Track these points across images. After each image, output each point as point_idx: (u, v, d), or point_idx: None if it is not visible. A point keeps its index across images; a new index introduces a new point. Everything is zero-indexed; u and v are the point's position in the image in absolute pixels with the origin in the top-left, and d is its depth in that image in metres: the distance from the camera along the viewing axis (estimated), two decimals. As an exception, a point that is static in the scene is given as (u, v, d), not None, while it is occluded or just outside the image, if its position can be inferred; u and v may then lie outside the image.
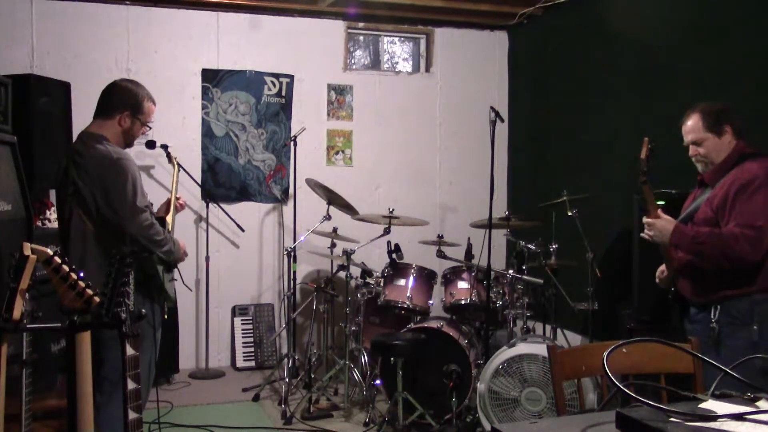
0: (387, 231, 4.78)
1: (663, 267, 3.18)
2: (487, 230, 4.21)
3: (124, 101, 3.05)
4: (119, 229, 2.89)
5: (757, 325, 2.78)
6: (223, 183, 5.65)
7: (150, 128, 3.25)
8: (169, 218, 3.29)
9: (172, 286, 3.17)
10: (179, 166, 3.86)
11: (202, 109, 5.57)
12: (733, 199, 2.81)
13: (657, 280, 3.21)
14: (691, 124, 3.01)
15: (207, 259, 5.47)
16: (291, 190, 5.63)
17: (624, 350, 2.06)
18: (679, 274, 3.05)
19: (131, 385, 2.15)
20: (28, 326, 2.13)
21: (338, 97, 5.93)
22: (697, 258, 2.90)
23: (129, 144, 3.15)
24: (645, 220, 3.03)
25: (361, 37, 6.35)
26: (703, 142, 2.97)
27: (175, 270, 3.20)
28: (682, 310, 3.12)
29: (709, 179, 3.02)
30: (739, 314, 2.82)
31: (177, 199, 3.48)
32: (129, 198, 2.89)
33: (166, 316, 3.19)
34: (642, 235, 3.08)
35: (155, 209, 3.26)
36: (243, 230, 5.57)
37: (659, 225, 2.97)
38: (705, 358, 1.79)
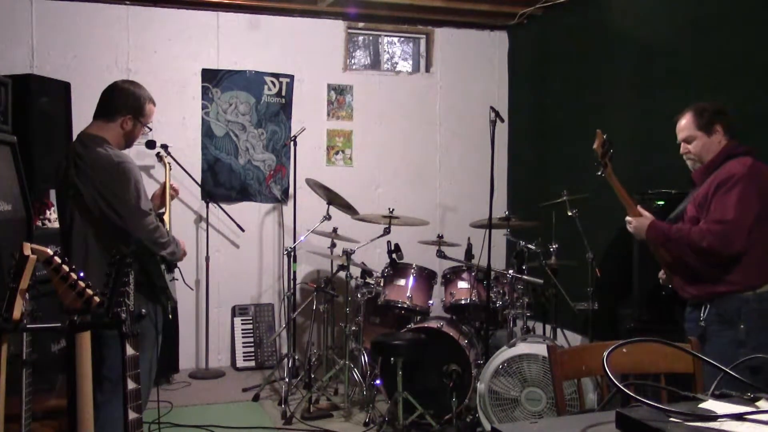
0: (387, 231, 4.78)
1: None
2: (487, 230, 4.21)
3: (125, 104, 3.03)
4: (121, 231, 2.89)
5: (744, 324, 2.80)
6: (223, 183, 5.65)
7: (150, 129, 3.25)
8: (166, 217, 3.28)
9: (173, 285, 3.17)
10: (171, 164, 3.85)
11: (202, 109, 5.57)
12: (712, 196, 2.86)
13: (660, 281, 3.23)
14: (684, 123, 3.06)
15: (207, 259, 5.47)
16: (291, 190, 5.63)
17: (624, 350, 2.06)
18: (671, 271, 3.08)
19: (131, 385, 2.15)
20: (28, 326, 2.13)
21: (338, 97, 5.93)
22: (671, 254, 2.96)
23: (129, 145, 3.15)
24: (627, 218, 3.08)
25: (361, 37, 6.35)
26: (694, 140, 3.02)
27: (176, 270, 3.20)
28: (683, 309, 3.13)
29: (696, 178, 3.06)
30: (727, 313, 2.84)
31: (171, 187, 3.44)
32: (133, 202, 2.88)
33: (171, 316, 3.19)
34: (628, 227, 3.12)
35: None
36: (243, 230, 5.57)
37: (636, 223, 3.03)
38: (705, 357, 1.79)
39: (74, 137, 3.20)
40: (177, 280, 3.23)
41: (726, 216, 2.79)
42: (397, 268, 4.70)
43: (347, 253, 4.58)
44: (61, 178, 3.01)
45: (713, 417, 1.31)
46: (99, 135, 2.99)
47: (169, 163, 3.81)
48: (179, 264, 3.24)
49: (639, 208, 3.07)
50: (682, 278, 3.01)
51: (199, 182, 5.51)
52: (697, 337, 2.78)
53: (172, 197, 3.42)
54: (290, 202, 5.49)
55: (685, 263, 2.94)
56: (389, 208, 4.83)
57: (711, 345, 2.82)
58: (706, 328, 2.87)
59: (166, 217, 3.28)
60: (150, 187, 3.44)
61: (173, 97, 5.43)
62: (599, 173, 3.04)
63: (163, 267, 3.05)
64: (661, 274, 3.21)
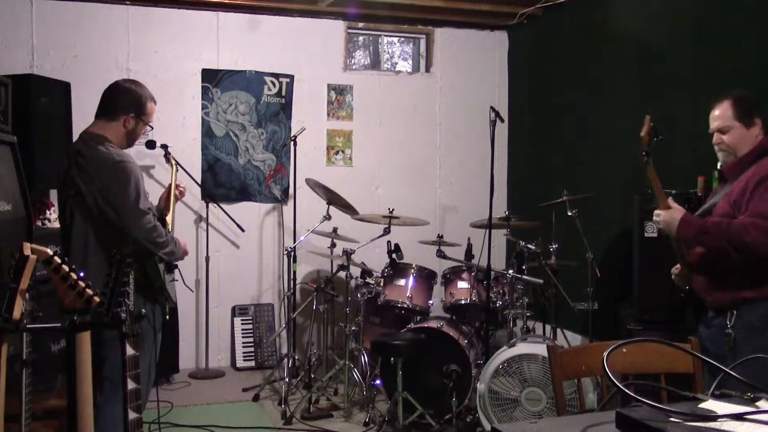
0: (387, 231, 4.78)
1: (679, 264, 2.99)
2: (487, 230, 4.20)
3: (127, 103, 3.04)
4: (121, 231, 2.89)
5: None
6: (223, 183, 5.65)
7: (152, 128, 3.25)
8: (168, 218, 3.28)
9: (173, 286, 3.17)
10: (177, 164, 3.84)
11: (202, 109, 5.57)
12: (752, 192, 2.65)
13: (673, 277, 3.01)
14: (720, 111, 2.83)
15: (207, 259, 5.47)
16: (291, 190, 5.63)
17: (624, 350, 2.05)
18: (693, 271, 2.87)
19: (131, 385, 2.15)
20: (28, 326, 2.13)
21: (338, 97, 5.93)
22: (705, 249, 2.74)
23: (131, 144, 3.15)
24: (656, 212, 2.85)
25: (361, 37, 6.35)
26: (730, 130, 2.79)
27: (176, 271, 3.20)
28: (697, 313, 2.95)
29: (728, 173, 2.85)
30: (757, 320, 2.66)
31: (177, 186, 3.44)
32: (131, 200, 2.89)
33: (168, 317, 3.19)
34: (654, 220, 2.90)
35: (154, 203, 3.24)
36: (243, 230, 5.57)
37: (666, 216, 2.79)
38: (705, 357, 1.78)
39: (74, 137, 3.21)
40: (177, 281, 3.22)
41: None
42: (397, 268, 4.70)
43: (347, 253, 4.58)
44: (62, 177, 3.02)
45: (713, 417, 1.31)
46: (101, 134, 3.00)
47: (176, 164, 3.80)
48: (180, 265, 3.24)
49: (670, 200, 2.83)
50: (706, 280, 2.81)
51: (199, 182, 5.51)
52: (726, 346, 2.66)
53: (177, 198, 3.41)
54: (290, 202, 5.49)
55: (712, 264, 2.75)
56: (389, 208, 4.83)
57: (741, 354, 2.56)
58: (735, 337, 2.67)
59: (168, 218, 3.27)
60: (150, 188, 3.44)
61: (173, 97, 5.43)
62: (645, 161, 2.78)
63: (162, 267, 3.04)
64: (675, 271, 2.98)
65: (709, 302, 2.83)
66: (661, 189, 2.83)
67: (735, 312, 2.69)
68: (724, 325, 2.71)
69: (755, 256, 2.62)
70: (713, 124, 2.85)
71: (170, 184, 3.40)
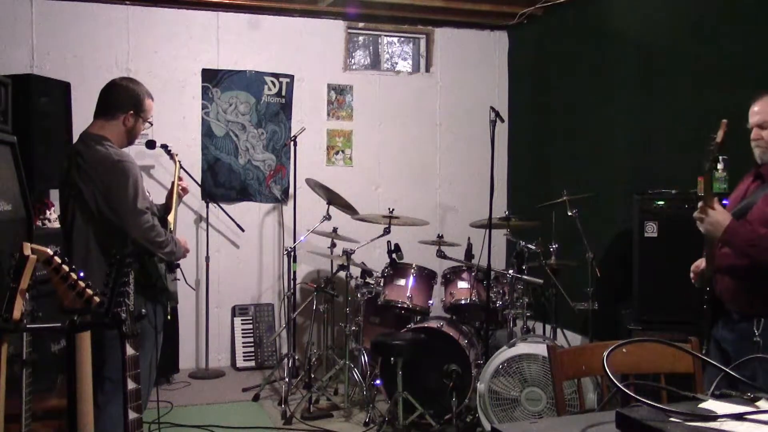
0: (387, 231, 4.78)
1: (699, 262, 2.88)
2: (487, 230, 4.20)
3: (126, 101, 3.04)
4: (122, 232, 2.89)
5: None
6: (223, 183, 5.65)
7: (151, 124, 3.25)
8: (171, 218, 3.27)
9: (175, 285, 3.16)
10: (180, 163, 3.81)
11: (202, 109, 5.57)
12: None
13: (692, 276, 2.90)
14: (760, 106, 2.72)
15: (207, 259, 5.47)
16: (291, 190, 5.62)
17: (624, 350, 2.05)
18: (720, 274, 2.76)
19: (131, 384, 2.15)
20: (28, 326, 2.13)
21: (338, 97, 5.93)
22: (749, 261, 2.63)
23: (131, 142, 3.15)
24: (700, 205, 2.68)
25: (361, 37, 6.35)
26: None
27: (178, 270, 3.20)
28: (715, 314, 2.83)
29: (767, 173, 2.73)
30: None
31: (179, 184, 3.40)
32: (130, 200, 2.88)
33: (169, 317, 3.19)
34: (695, 218, 2.73)
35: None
36: (243, 230, 5.57)
37: (713, 218, 2.63)
38: (705, 358, 1.78)
39: (74, 137, 3.21)
40: (179, 280, 3.22)
41: None
42: (397, 268, 4.70)
43: (347, 253, 4.58)
44: (63, 178, 3.02)
45: (713, 417, 1.31)
46: (100, 134, 3.00)
47: (179, 160, 3.77)
48: (180, 264, 3.23)
49: (715, 201, 2.68)
50: (735, 284, 2.71)
51: (199, 182, 5.51)
52: (751, 353, 2.53)
53: (180, 196, 3.37)
54: (290, 202, 5.49)
55: (745, 270, 2.65)
56: (389, 208, 4.83)
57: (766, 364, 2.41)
58: (763, 344, 2.58)
59: (170, 217, 3.26)
60: (150, 187, 3.43)
61: (173, 97, 5.43)
62: (709, 167, 2.61)
63: (163, 267, 3.04)
64: (694, 269, 2.88)
65: (734, 307, 2.74)
66: (711, 194, 2.68)
67: (763, 320, 2.61)
68: (751, 332, 2.62)
69: None
70: (753, 119, 2.73)
71: (173, 182, 3.38)
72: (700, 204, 2.68)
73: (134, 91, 3.07)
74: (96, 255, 2.92)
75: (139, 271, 2.83)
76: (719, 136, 2.57)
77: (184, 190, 3.44)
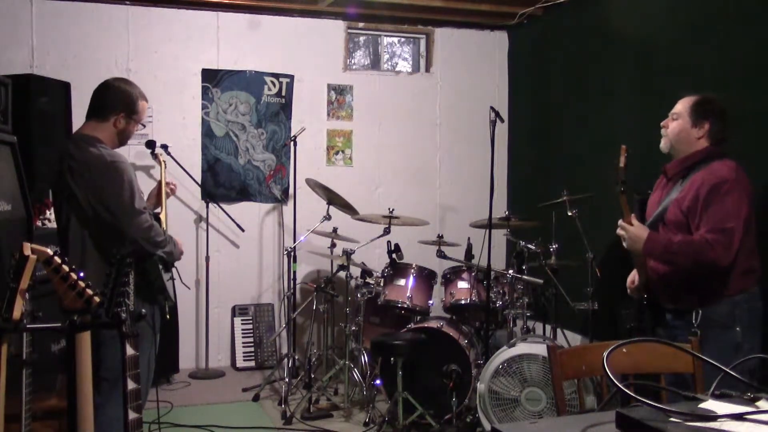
0: (387, 231, 4.78)
1: (632, 276, 3.13)
2: (487, 230, 4.20)
3: (118, 102, 3.01)
4: (118, 232, 2.88)
5: (739, 326, 2.78)
6: (223, 183, 5.65)
7: (144, 126, 3.24)
8: (162, 216, 3.27)
9: (170, 285, 3.16)
10: (165, 164, 3.80)
11: (202, 109, 5.57)
12: (704, 201, 2.78)
13: (628, 291, 3.16)
14: (684, 102, 3.00)
15: (207, 259, 5.47)
16: (291, 190, 5.63)
17: (624, 350, 2.05)
18: (653, 283, 3.00)
19: (131, 385, 2.15)
20: (28, 326, 2.13)
21: (338, 97, 5.93)
22: (670, 266, 2.88)
23: (123, 143, 3.13)
24: (620, 222, 2.94)
25: (361, 37, 6.35)
26: (678, 119, 2.96)
27: (173, 270, 3.20)
28: (655, 317, 3.05)
29: (671, 171, 3.01)
30: (721, 318, 2.80)
31: (168, 183, 3.42)
32: (126, 200, 2.87)
33: (168, 317, 3.18)
34: (618, 232, 2.99)
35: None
36: (243, 230, 5.57)
37: (633, 232, 2.89)
38: (705, 358, 1.78)
39: (72, 138, 3.19)
40: (174, 279, 3.22)
41: (727, 223, 2.73)
42: (397, 268, 4.70)
43: (347, 253, 4.58)
44: (56, 180, 3.01)
45: (713, 417, 1.30)
46: (92, 135, 2.98)
47: (164, 161, 3.78)
48: (179, 264, 3.23)
49: (632, 217, 2.94)
50: (669, 289, 2.94)
51: (199, 182, 5.51)
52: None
53: (168, 195, 3.39)
54: (290, 202, 5.49)
55: (674, 274, 2.88)
56: (389, 208, 4.83)
57: (710, 350, 2.67)
58: (702, 333, 2.77)
59: (162, 216, 3.26)
60: (147, 187, 3.44)
61: (173, 97, 5.43)
62: (620, 191, 2.87)
63: (160, 267, 3.04)
64: (630, 284, 3.13)
65: (671, 307, 2.96)
66: (628, 213, 2.93)
67: (700, 311, 2.82)
68: (690, 325, 2.83)
69: (718, 269, 2.77)
70: (673, 109, 3.02)
71: (159, 182, 3.39)
72: (619, 222, 2.94)
73: (127, 93, 3.04)
74: (92, 256, 2.91)
75: (138, 271, 2.83)
76: (621, 161, 2.91)
77: (172, 191, 3.45)
